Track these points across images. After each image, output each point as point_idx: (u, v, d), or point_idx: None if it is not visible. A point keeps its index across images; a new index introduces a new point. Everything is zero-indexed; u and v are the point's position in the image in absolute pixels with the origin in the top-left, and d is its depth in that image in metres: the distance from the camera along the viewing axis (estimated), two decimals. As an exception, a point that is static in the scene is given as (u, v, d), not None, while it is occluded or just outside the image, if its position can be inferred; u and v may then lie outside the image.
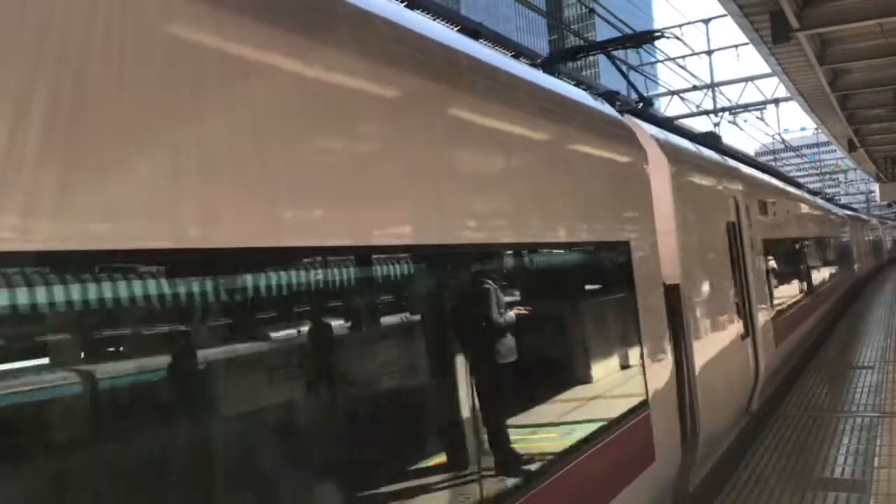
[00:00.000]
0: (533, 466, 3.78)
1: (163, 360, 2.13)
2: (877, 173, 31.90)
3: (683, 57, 23.16)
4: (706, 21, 24.73)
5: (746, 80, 23.59)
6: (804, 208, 17.11)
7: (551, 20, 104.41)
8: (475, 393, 3.37)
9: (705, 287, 6.99)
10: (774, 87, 22.72)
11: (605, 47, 7.63)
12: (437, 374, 3.35)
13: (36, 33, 1.78)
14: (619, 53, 19.43)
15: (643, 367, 5.25)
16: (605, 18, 14.46)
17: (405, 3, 7.91)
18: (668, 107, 25.56)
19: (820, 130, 25.46)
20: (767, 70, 16.53)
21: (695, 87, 23.30)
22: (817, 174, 59.60)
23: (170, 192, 2.06)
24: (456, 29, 7.34)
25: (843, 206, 36.36)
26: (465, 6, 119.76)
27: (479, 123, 3.81)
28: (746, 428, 8.62)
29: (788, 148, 36.95)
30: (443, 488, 3.20)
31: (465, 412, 3.35)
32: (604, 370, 5.00)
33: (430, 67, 3.54)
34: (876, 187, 34.09)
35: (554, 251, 4.62)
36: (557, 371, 4.52)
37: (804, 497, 6.67)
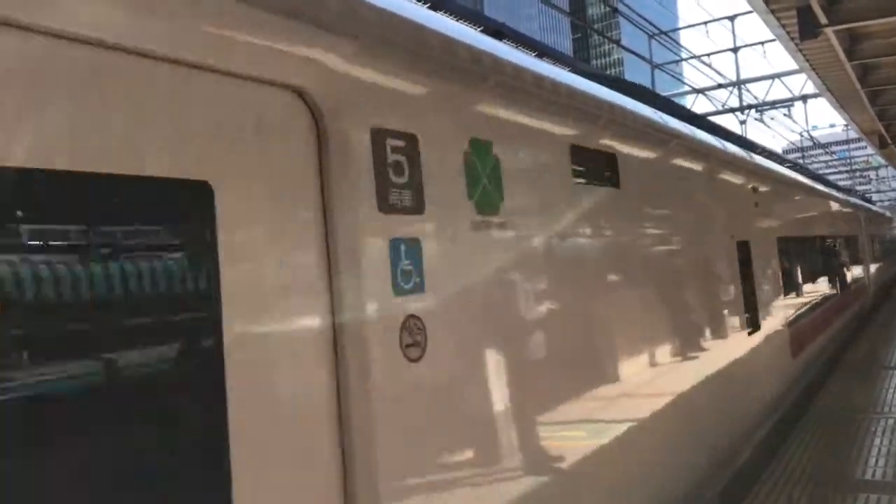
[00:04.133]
0: None
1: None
2: (908, 170, 31.31)
3: (709, 55, 22.99)
4: (731, 18, 24.49)
5: (773, 76, 23.32)
6: None
7: (574, 19, 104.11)
8: None
9: None
10: (802, 83, 22.46)
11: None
12: None
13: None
14: (644, 51, 19.38)
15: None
16: (628, 18, 14.39)
17: (428, 5, 7.95)
18: (693, 104, 25.36)
19: (850, 127, 25.09)
20: (795, 66, 16.33)
21: (720, 85, 23.08)
22: (847, 171, 58.68)
23: None
24: (479, 29, 7.36)
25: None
26: (488, 6, 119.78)
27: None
28: (776, 427, 8.54)
29: (817, 145, 36.44)
30: None
31: None
32: None
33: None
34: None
35: None
36: None
37: (835, 498, 6.59)
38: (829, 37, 11.98)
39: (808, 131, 30.40)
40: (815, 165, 44.63)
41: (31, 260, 1.78)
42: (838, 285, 16.03)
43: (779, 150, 36.99)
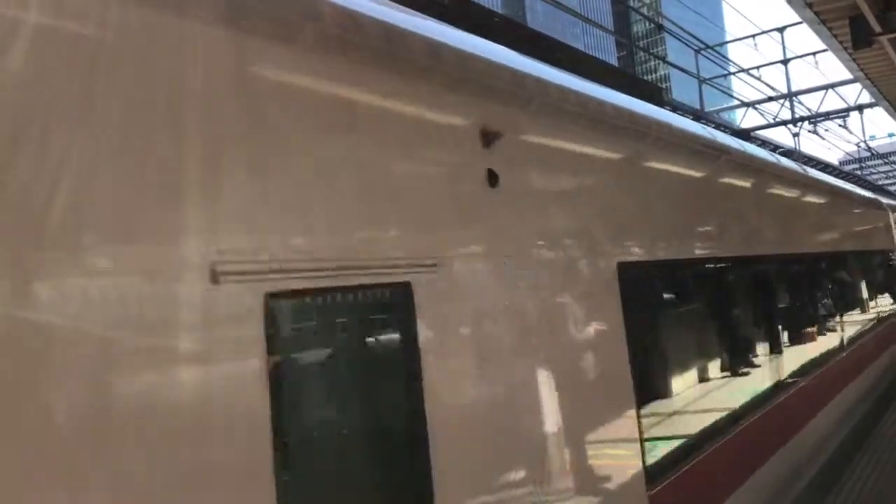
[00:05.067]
0: None
1: None
2: (974, 178, 30.13)
3: (758, 67, 22.60)
4: (781, 29, 24.07)
5: (826, 87, 22.77)
6: None
7: (619, 37, 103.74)
8: None
9: None
10: (857, 93, 21.87)
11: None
12: None
13: None
14: (691, 67, 19.15)
15: None
16: (673, 34, 14.28)
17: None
18: (743, 119, 24.92)
19: (909, 136, 24.28)
20: (848, 76, 15.93)
21: (771, 98, 22.63)
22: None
23: None
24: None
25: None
26: (533, 27, 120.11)
27: None
28: (837, 451, 8.23)
29: (875, 155, 35.38)
30: None
31: None
32: None
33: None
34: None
35: None
36: None
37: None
38: (883, 45, 11.68)
39: (865, 142, 29.53)
40: (875, 176, 43.30)
41: None
42: (841, 337, 10.09)
43: (834, 161, 36.07)
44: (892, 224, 14.60)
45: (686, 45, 16.29)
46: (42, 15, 1.96)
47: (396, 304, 2.78)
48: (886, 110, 18.25)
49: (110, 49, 2.09)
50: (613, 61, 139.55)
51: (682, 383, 5.49)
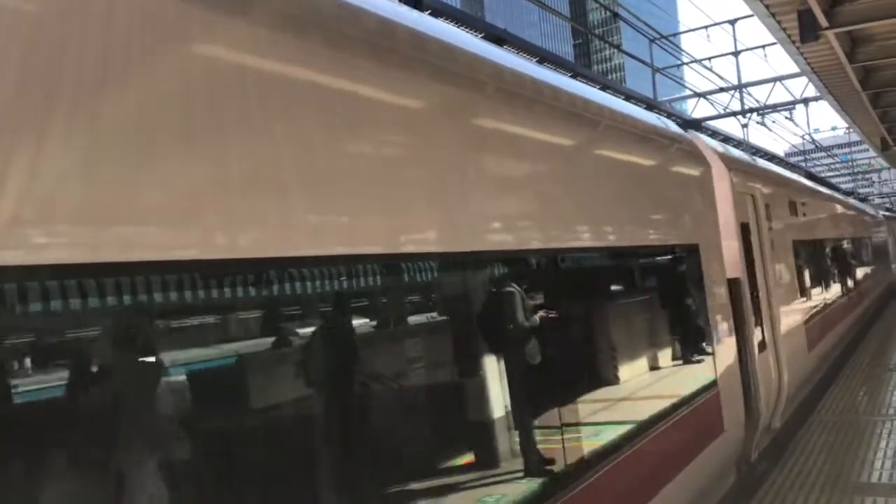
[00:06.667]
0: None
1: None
2: (911, 172, 31.29)
3: (710, 58, 23.01)
4: (732, 22, 24.51)
5: (774, 80, 23.31)
6: None
7: (576, 25, 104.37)
8: None
9: None
10: (804, 86, 22.45)
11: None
12: None
13: None
14: (645, 56, 19.41)
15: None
16: (628, 22, 14.42)
17: (429, 12, 7.97)
18: (695, 109, 25.36)
19: (851, 130, 25.09)
20: (796, 69, 16.32)
21: (722, 89, 23.07)
22: (850, 174, 58.54)
23: None
24: (480, 36, 7.39)
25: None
26: (490, 13, 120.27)
27: None
28: (780, 433, 8.52)
29: (819, 148, 36.41)
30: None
31: None
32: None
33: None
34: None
35: None
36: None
37: (841, 502, 6.56)
38: (829, 40, 11.98)
39: (809, 134, 30.36)
40: (818, 168, 44.61)
41: None
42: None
43: (780, 153, 37.08)
44: (729, 194, 8.11)
45: (641, 33, 16.49)
46: None
47: None
48: (830, 104, 18.77)
49: None
50: (570, 48, 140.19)
51: None
